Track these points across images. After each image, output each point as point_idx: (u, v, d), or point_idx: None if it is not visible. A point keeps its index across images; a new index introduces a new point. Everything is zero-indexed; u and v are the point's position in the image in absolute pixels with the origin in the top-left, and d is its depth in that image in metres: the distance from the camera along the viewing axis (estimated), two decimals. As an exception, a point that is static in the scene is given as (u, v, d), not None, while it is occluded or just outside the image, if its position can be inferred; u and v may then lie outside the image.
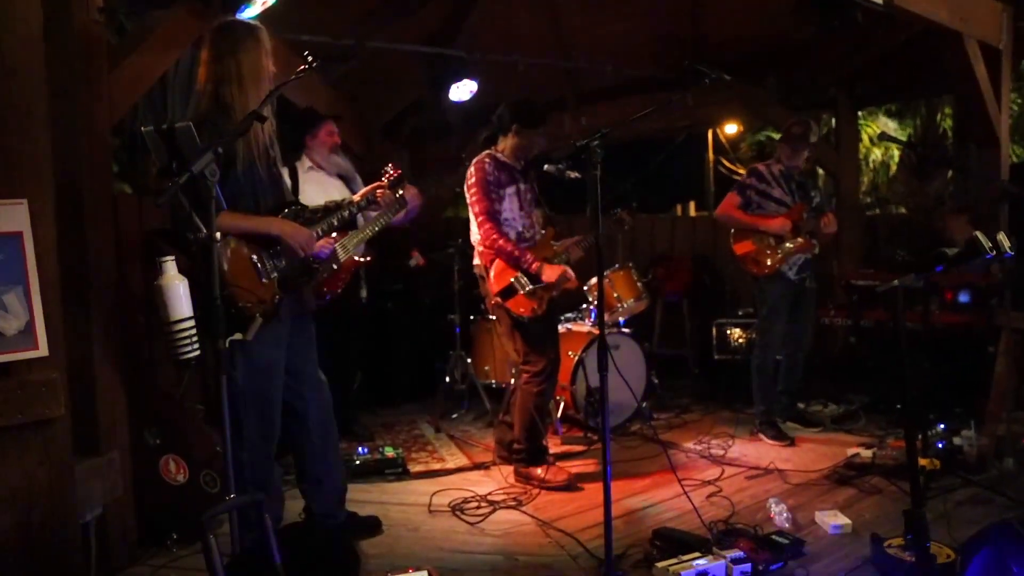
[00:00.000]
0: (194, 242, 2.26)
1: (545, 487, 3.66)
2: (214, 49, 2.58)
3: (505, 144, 3.78)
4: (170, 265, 2.34)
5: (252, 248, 2.59)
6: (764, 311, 4.50)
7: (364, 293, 4.37)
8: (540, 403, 3.76)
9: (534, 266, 3.62)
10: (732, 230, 4.53)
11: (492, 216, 3.65)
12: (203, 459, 2.95)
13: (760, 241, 4.41)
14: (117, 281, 2.83)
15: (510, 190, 3.73)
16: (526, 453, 3.79)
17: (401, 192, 3.32)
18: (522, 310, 3.65)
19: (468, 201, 3.75)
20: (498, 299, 3.67)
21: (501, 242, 3.63)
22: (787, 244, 4.35)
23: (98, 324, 2.69)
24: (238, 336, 2.27)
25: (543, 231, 3.89)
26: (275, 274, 2.62)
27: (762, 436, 4.41)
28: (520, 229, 3.77)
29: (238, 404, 2.51)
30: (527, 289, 3.64)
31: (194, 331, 2.30)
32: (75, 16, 2.55)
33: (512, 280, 3.65)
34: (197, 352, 2.31)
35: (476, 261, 3.86)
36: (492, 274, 3.70)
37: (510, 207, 3.74)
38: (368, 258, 4.19)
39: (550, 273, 3.62)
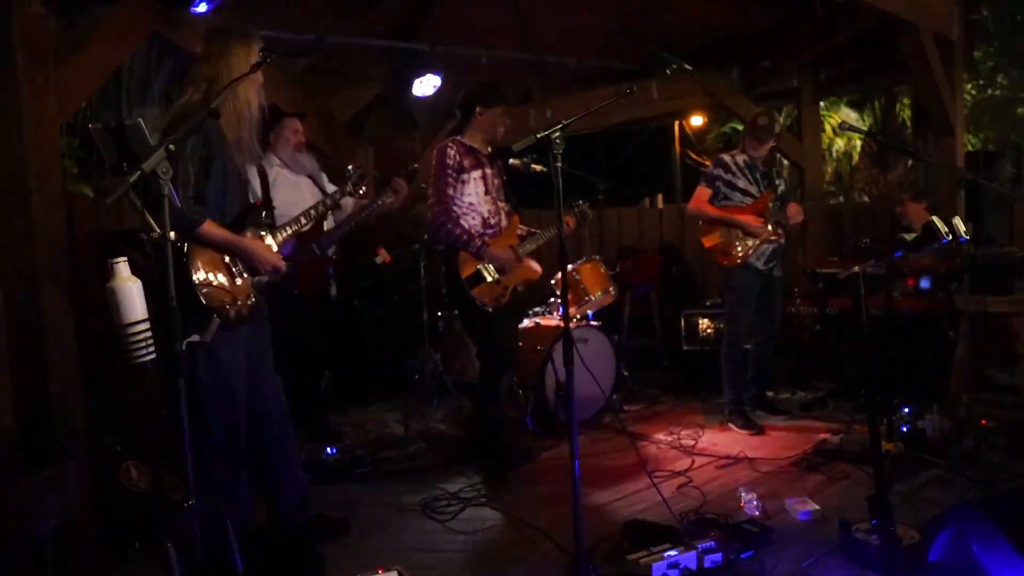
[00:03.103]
0: (147, 242, 2.20)
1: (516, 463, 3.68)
2: (205, 49, 2.60)
3: (470, 129, 3.77)
4: (123, 267, 2.27)
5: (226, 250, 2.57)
6: (731, 300, 4.53)
7: (334, 291, 4.32)
8: (498, 395, 3.76)
9: (482, 250, 3.62)
10: (700, 222, 4.55)
11: (443, 199, 3.65)
12: (166, 464, 2.88)
13: (728, 233, 4.43)
14: (71, 282, 2.74)
15: (476, 174, 3.71)
16: (489, 442, 3.79)
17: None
18: (487, 299, 3.64)
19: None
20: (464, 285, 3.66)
21: (449, 226, 3.62)
22: (755, 235, 4.38)
23: (51, 327, 2.60)
24: (195, 338, 2.21)
25: (507, 219, 3.88)
26: (247, 274, 2.60)
27: (731, 425, 4.44)
28: (485, 215, 3.75)
29: (203, 404, 2.47)
30: (493, 278, 3.63)
31: (149, 333, 2.24)
32: (17, 7, 2.46)
33: (479, 268, 3.64)
34: (152, 355, 2.24)
35: (442, 247, 3.85)
36: (460, 260, 3.68)
37: (475, 191, 3.72)
38: (333, 256, 4.14)
39: (496, 252, 3.62)
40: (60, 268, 2.67)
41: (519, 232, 3.95)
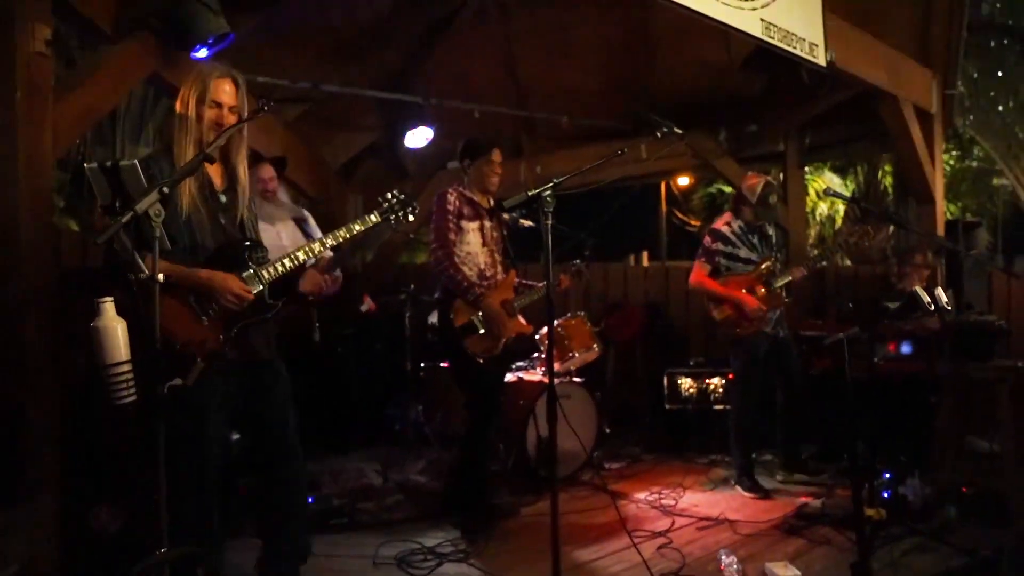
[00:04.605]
0: (135, 283, 2.18)
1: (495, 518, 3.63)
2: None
3: (468, 182, 3.86)
4: (108, 306, 2.24)
5: (187, 290, 2.48)
6: (739, 365, 4.48)
7: (317, 336, 4.28)
8: (482, 448, 3.74)
9: (479, 300, 3.63)
10: (706, 298, 4.50)
11: (445, 243, 3.69)
12: (139, 508, 2.81)
13: (739, 307, 4.38)
14: (56, 319, 2.72)
15: (473, 225, 3.78)
16: (469, 496, 3.75)
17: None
18: (478, 350, 3.64)
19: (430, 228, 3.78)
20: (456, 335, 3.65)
21: (452, 271, 3.65)
22: (750, 319, 4.35)
23: (32, 364, 2.57)
24: (177, 381, 2.18)
25: (505, 274, 3.91)
26: (212, 312, 2.51)
27: (739, 488, 4.36)
28: (481, 266, 3.79)
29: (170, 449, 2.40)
30: (486, 330, 3.64)
31: (131, 375, 2.20)
32: (20, 48, 2.50)
33: (472, 318, 3.65)
34: (133, 397, 2.20)
35: (438, 295, 3.85)
36: (455, 309, 3.69)
37: (473, 242, 3.77)
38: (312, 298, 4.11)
39: (488, 310, 3.64)
40: (46, 302, 2.65)
41: (514, 283, 3.98)
